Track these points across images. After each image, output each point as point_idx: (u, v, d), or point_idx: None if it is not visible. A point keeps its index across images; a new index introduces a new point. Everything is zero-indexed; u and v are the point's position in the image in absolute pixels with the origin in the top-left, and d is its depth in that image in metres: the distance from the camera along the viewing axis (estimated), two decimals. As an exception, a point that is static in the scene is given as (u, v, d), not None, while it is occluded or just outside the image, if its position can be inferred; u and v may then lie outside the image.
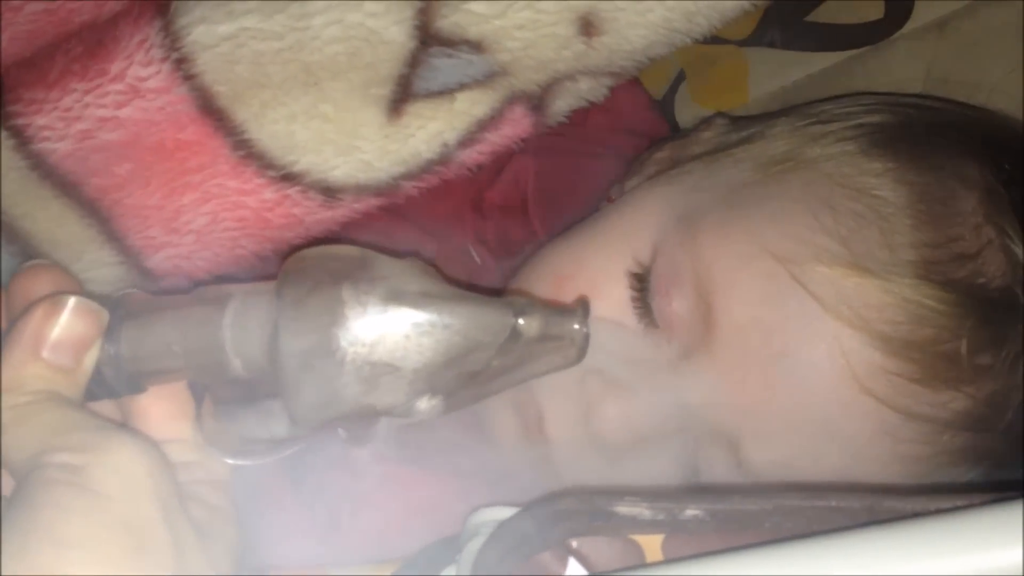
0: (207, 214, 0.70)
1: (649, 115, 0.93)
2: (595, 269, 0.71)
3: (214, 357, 0.54)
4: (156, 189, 0.69)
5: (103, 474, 0.45)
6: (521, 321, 0.53)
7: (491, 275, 0.81)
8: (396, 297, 0.52)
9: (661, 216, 0.71)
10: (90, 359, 0.53)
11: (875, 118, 0.72)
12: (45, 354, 0.51)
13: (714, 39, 0.82)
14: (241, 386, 0.56)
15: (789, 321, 0.64)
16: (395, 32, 0.66)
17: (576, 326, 0.54)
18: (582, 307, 0.55)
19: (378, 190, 0.72)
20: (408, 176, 0.72)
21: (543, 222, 0.84)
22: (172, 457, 0.53)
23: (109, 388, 0.54)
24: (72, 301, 0.53)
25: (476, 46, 0.67)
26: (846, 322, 0.63)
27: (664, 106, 0.97)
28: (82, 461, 0.46)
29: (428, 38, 0.67)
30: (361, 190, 0.72)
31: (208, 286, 0.57)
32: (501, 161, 0.82)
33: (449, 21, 0.66)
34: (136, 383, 0.55)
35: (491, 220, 0.83)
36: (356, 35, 0.66)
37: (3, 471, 0.50)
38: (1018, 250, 0.66)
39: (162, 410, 0.56)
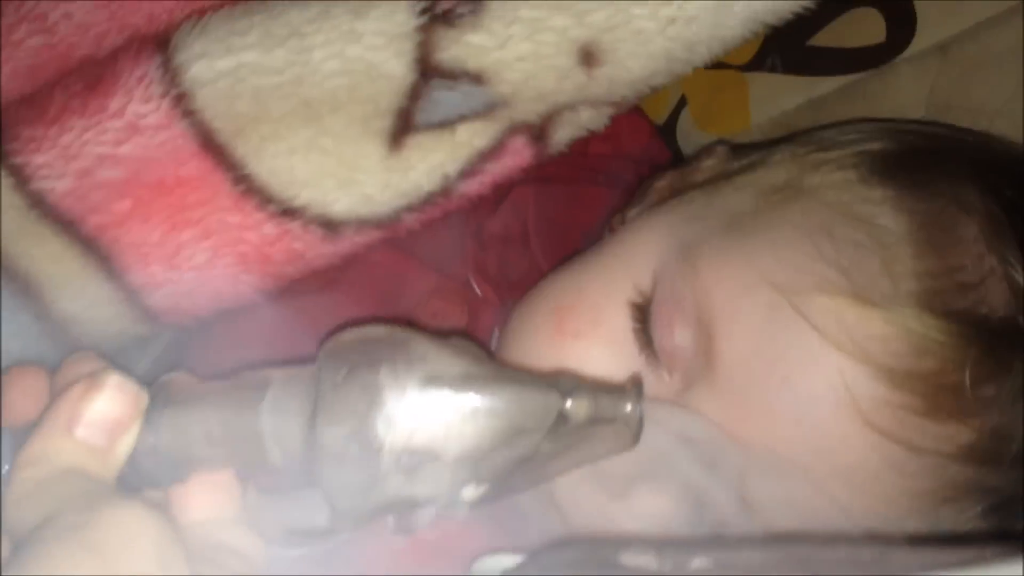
0: (208, 250, 0.70)
1: (650, 142, 0.93)
2: (595, 300, 0.71)
3: (253, 446, 0.53)
4: (156, 226, 0.69)
5: (103, 531, 0.45)
6: (569, 403, 0.52)
7: (493, 308, 0.80)
8: (436, 380, 0.51)
9: (662, 245, 0.71)
10: (125, 442, 0.51)
11: (875, 145, 0.72)
12: (78, 431, 0.50)
13: (716, 64, 0.82)
14: (283, 475, 0.55)
15: (790, 353, 0.64)
16: (395, 65, 0.67)
17: (629, 407, 0.52)
18: (635, 387, 0.53)
19: (379, 223, 0.72)
20: (409, 209, 0.72)
21: (545, 252, 0.84)
22: (210, 535, 0.52)
23: (148, 477, 0.53)
24: (112, 380, 0.51)
25: (476, 78, 0.67)
26: (848, 354, 0.62)
27: (666, 132, 0.97)
28: (85, 520, 0.45)
29: (428, 71, 0.67)
30: (362, 223, 0.72)
31: (248, 370, 0.56)
32: (501, 191, 0.81)
33: (449, 54, 0.67)
34: (176, 472, 0.54)
35: (491, 251, 0.82)
36: (356, 68, 0.66)
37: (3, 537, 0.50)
38: (1020, 278, 0.65)
39: (205, 496, 0.54)
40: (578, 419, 0.52)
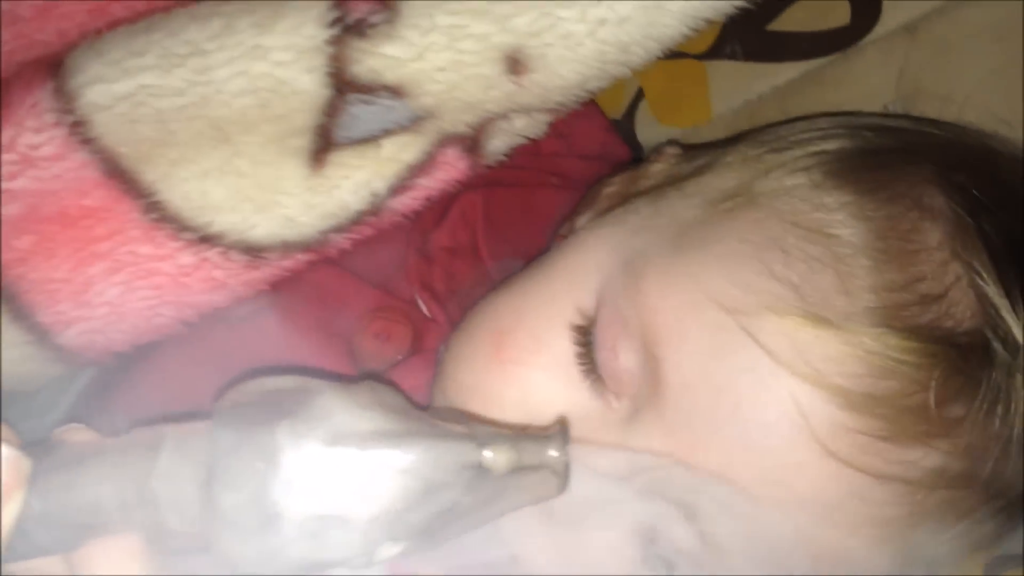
0: (119, 284, 0.66)
1: (606, 138, 0.88)
2: (535, 323, 0.66)
3: (149, 511, 0.50)
4: (62, 261, 0.65)
5: None
6: (487, 454, 0.49)
7: (440, 327, 0.75)
8: (340, 439, 0.47)
9: (605, 261, 0.66)
10: (9, 513, 0.48)
11: (832, 144, 0.67)
12: None
13: (673, 54, 0.77)
14: (184, 539, 0.52)
15: (740, 377, 0.59)
16: (306, 81, 0.62)
17: (553, 452, 0.50)
18: (560, 430, 0.50)
19: (306, 246, 0.68)
20: (338, 229, 0.68)
21: (496, 262, 0.79)
22: None
23: (37, 546, 0.50)
24: None
25: (396, 91, 0.63)
26: (802, 377, 0.58)
27: (624, 126, 0.92)
28: None
29: (343, 85, 0.63)
30: (288, 247, 0.67)
31: (143, 426, 0.52)
32: (446, 201, 0.77)
33: (364, 67, 0.62)
34: (72, 539, 0.50)
35: (438, 264, 0.77)
36: (264, 86, 0.62)
37: None
38: (987, 287, 0.60)
39: (107, 561, 0.51)
40: (499, 470, 0.49)
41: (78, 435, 0.54)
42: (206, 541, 0.50)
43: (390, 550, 0.49)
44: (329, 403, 0.49)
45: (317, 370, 0.57)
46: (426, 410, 0.56)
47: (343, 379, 0.54)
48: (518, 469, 0.50)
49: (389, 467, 0.48)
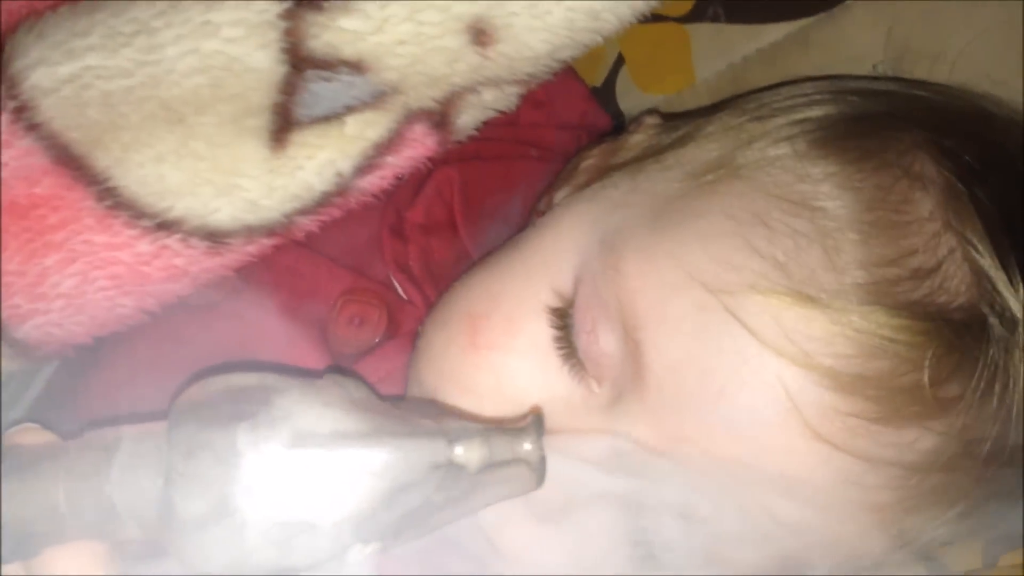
0: (75, 275, 0.63)
1: (586, 106, 0.85)
2: (511, 306, 0.64)
3: (105, 519, 0.48)
4: (14, 253, 0.62)
5: None
6: (459, 450, 0.47)
7: (418, 311, 0.73)
8: (303, 440, 0.46)
9: (582, 240, 0.63)
10: None
11: (816, 111, 0.64)
12: None
13: (653, 17, 0.74)
14: (147, 544, 0.50)
15: (724, 360, 0.57)
16: (260, 58, 0.59)
17: (528, 446, 0.48)
18: (534, 422, 0.48)
19: (271, 230, 0.65)
20: (303, 212, 0.65)
21: (475, 239, 0.76)
22: None
23: None
24: None
25: (356, 66, 0.60)
26: (789, 358, 0.55)
27: (604, 94, 0.89)
28: None
29: (300, 61, 0.60)
30: (252, 232, 0.65)
31: (98, 429, 0.50)
32: (420, 178, 0.74)
33: (321, 41, 0.59)
34: (24, 548, 0.49)
35: (413, 243, 0.75)
36: (216, 64, 0.59)
37: None
38: (983, 259, 0.57)
39: (69, 561, 0.49)
40: (471, 467, 0.47)
41: (31, 436, 0.52)
42: (166, 548, 0.48)
43: (361, 552, 0.48)
44: (291, 402, 0.47)
45: (279, 365, 0.54)
46: (397, 402, 0.54)
47: (307, 373, 0.52)
48: (491, 465, 0.48)
49: (355, 468, 0.46)
